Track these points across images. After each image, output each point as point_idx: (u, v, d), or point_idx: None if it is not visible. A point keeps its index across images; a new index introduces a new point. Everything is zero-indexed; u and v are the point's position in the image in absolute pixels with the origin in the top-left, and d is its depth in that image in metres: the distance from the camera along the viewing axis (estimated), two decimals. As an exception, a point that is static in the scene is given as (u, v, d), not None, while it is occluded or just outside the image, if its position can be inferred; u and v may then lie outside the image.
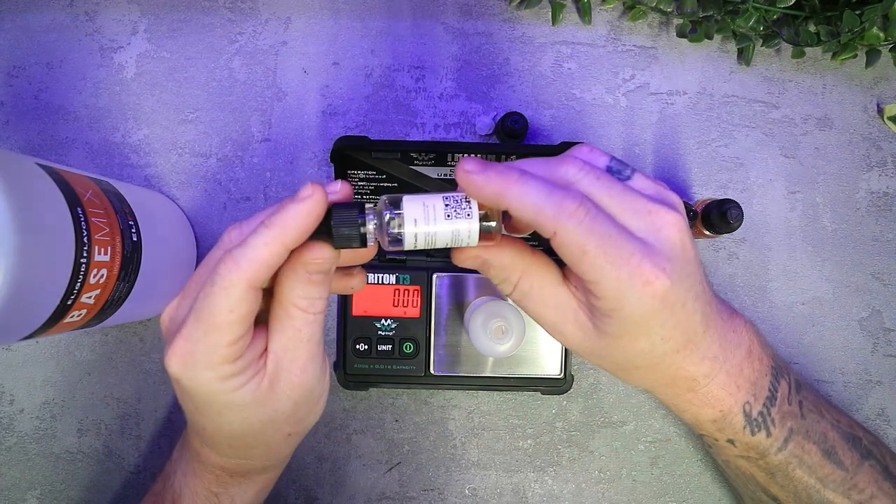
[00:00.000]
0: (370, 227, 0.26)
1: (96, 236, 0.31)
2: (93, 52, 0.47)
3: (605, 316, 0.27)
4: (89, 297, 0.32)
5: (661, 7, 0.45)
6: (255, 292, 0.26)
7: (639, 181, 0.28)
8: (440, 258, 0.45)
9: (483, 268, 0.30)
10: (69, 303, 0.30)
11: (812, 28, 0.46)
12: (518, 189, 0.25)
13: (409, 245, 0.26)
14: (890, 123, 0.47)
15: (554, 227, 0.25)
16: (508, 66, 0.47)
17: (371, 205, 0.26)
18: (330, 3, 0.47)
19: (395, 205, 0.26)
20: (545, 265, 0.30)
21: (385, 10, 0.47)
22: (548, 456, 0.46)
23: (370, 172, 0.41)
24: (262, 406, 0.28)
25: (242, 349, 0.27)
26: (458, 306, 0.45)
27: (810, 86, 0.47)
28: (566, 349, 0.44)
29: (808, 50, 0.46)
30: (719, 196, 0.46)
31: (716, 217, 0.40)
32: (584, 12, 0.46)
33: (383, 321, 0.44)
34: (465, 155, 0.35)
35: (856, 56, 0.46)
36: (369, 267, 0.45)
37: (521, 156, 0.39)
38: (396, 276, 0.45)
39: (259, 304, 0.27)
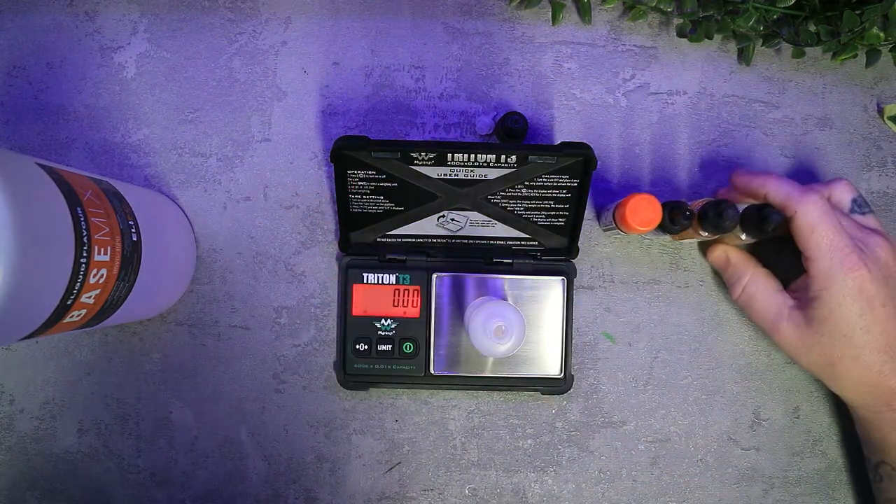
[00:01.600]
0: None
1: (96, 236, 0.31)
2: (93, 52, 0.47)
3: (814, 299, 0.35)
4: (89, 297, 0.32)
5: (662, 7, 0.45)
6: None
7: (870, 220, 0.38)
8: (440, 258, 0.45)
9: (724, 264, 0.42)
10: (69, 303, 0.30)
11: (812, 28, 0.46)
12: (776, 181, 0.38)
13: None
14: (890, 123, 0.47)
15: (797, 207, 0.36)
16: (508, 66, 0.47)
17: None
18: (330, 3, 0.47)
19: None
20: (767, 274, 0.40)
21: (385, 10, 0.47)
22: (548, 456, 0.46)
23: (370, 172, 0.41)
24: None
25: None
26: (458, 306, 0.45)
27: (810, 86, 0.47)
28: (566, 349, 0.44)
29: (808, 50, 0.46)
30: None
31: (712, 217, 0.40)
32: (584, 12, 0.46)
33: (383, 321, 0.44)
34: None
35: (856, 56, 0.46)
36: (370, 267, 0.45)
37: (520, 156, 0.39)
38: (396, 276, 0.45)
39: None
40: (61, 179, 0.30)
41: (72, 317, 0.31)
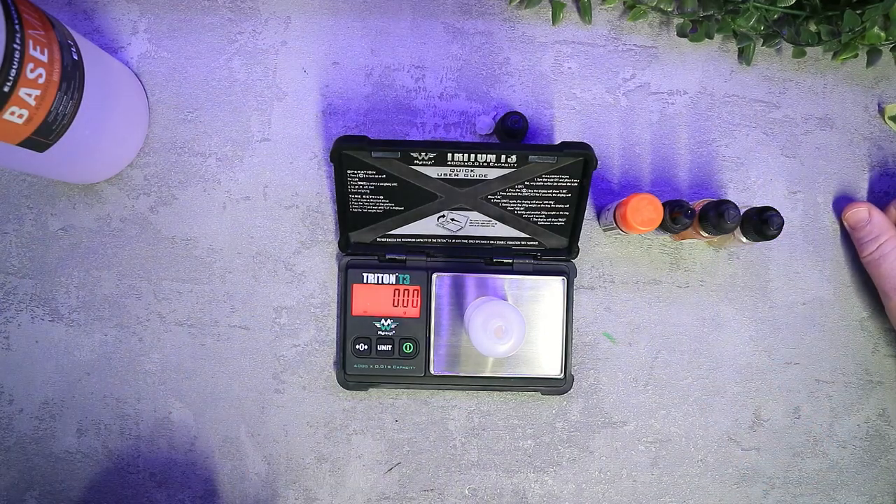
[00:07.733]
0: None
1: (29, 31, 0.31)
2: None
3: None
4: (29, 96, 0.32)
5: (662, 6, 0.45)
6: None
7: None
8: (440, 258, 0.45)
9: (863, 222, 0.44)
10: (6, 90, 0.30)
11: (813, 27, 0.46)
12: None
13: None
14: (891, 123, 0.47)
15: None
16: (508, 65, 0.47)
17: None
18: (330, 3, 0.47)
19: None
20: None
21: (385, 10, 0.47)
22: (548, 456, 0.46)
23: (370, 172, 0.41)
24: None
25: None
26: (458, 306, 0.45)
27: (811, 85, 0.47)
28: (566, 349, 0.44)
29: (808, 49, 0.46)
30: (720, 196, 0.46)
31: (713, 217, 0.39)
32: (585, 12, 0.46)
33: (383, 321, 0.44)
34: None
35: (857, 56, 0.46)
36: (370, 267, 0.45)
37: (520, 156, 0.39)
38: (396, 276, 0.45)
39: None
40: None
41: (12, 113, 0.31)
